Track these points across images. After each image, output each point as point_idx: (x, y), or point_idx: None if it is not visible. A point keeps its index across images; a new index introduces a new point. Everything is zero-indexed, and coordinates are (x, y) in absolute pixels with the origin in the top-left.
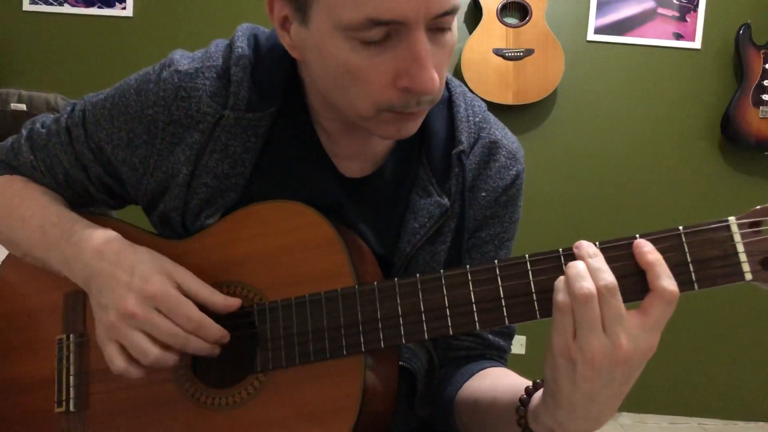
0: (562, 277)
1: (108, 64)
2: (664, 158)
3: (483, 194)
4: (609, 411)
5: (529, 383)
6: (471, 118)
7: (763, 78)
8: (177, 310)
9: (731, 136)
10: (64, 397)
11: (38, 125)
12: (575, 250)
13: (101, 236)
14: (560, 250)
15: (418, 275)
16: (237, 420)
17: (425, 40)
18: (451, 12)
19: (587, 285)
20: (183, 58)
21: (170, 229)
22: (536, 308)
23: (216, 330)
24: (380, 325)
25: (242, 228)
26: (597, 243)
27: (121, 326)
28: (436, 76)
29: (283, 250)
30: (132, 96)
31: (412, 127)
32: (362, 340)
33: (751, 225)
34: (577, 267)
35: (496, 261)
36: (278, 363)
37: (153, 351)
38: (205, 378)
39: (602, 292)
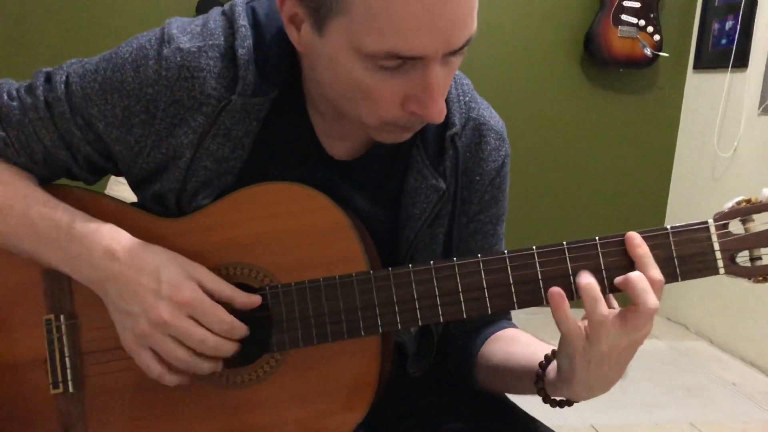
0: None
1: None
2: (534, 72)
3: (477, 178)
4: (618, 377)
5: (540, 355)
6: (461, 98)
7: None
8: (211, 316)
9: (593, 52)
10: (60, 379)
11: (5, 97)
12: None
13: (108, 233)
14: (564, 243)
15: (432, 262)
16: (257, 396)
17: (439, 73)
18: (468, 43)
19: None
20: (182, 34)
21: (164, 208)
22: (543, 296)
23: (244, 329)
24: (396, 309)
25: (246, 209)
26: (597, 238)
27: (154, 334)
28: (444, 106)
29: (293, 233)
30: (128, 71)
31: (409, 135)
32: (380, 323)
33: (723, 226)
34: (586, 277)
35: (505, 251)
36: (295, 343)
37: (185, 357)
38: None
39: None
